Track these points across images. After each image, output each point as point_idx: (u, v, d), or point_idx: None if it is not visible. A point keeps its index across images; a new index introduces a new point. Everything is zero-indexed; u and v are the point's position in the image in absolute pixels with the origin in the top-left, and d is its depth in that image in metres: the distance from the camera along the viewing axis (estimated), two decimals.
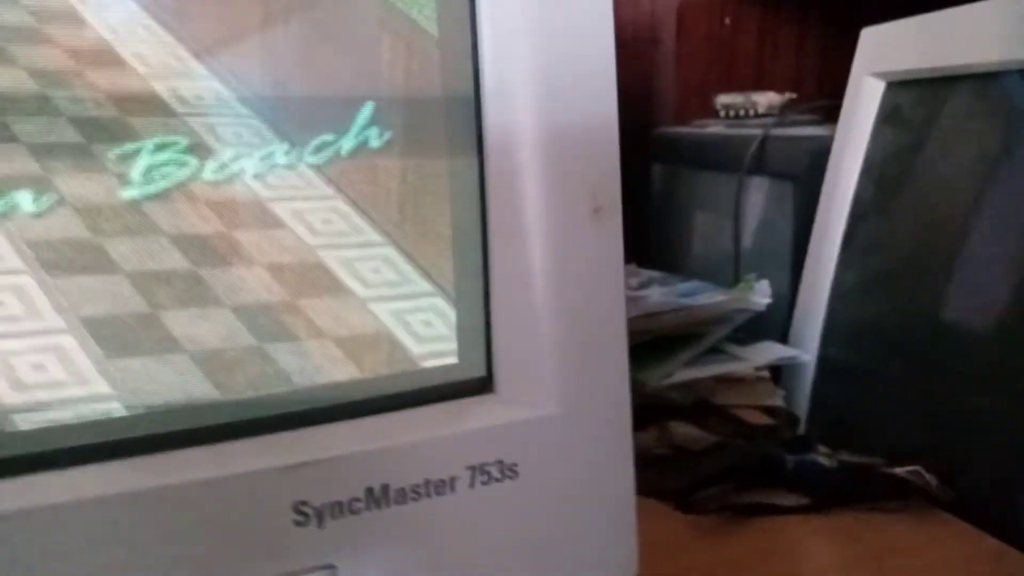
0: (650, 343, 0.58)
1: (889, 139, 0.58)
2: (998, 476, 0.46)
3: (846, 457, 0.47)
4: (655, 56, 0.93)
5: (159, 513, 0.19)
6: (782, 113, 0.74)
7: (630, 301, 0.61)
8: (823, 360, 0.60)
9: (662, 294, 0.63)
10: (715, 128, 0.80)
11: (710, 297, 0.61)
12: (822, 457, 0.47)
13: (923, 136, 0.56)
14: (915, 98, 0.57)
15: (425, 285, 0.24)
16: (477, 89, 0.23)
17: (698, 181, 0.80)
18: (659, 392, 0.56)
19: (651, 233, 0.88)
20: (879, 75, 0.59)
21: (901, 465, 0.45)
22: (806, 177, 0.65)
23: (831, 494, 0.45)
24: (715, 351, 0.60)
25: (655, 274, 0.71)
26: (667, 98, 0.93)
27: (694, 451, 0.49)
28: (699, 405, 0.55)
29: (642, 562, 0.41)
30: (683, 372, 0.56)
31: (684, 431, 0.50)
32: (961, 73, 0.53)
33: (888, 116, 0.59)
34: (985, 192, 0.51)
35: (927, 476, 0.44)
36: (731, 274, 0.71)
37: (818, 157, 0.64)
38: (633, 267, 0.73)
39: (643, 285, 0.67)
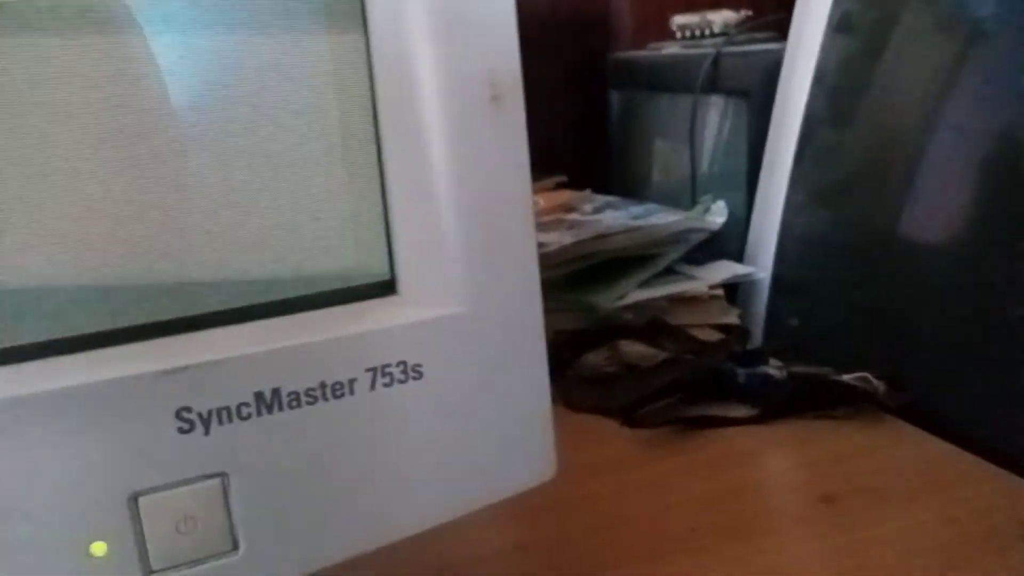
0: (605, 265, 0.57)
1: (840, 48, 0.57)
2: (946, 381, 0.46)
3: (797, 368, 0.47)
4: None
5: (32, 422, 0.18)
6: (738, 30, 0.73)
7: (583, 225, 0.60)
8: (777, 276, 0.59)
9: (615, 218, 0.62)
10: (671, 50, 0.78)
11: (663, 218, 0.60)
12: (773, 369, 0.47)
13: (874, 43, 0.55)
14: (866, 5, 0.56)
15: (319, 184, 0.23)
16: None
17: (655, 105, 0.79)
18: (613, 313, 0.55)
19: (611, 160, 0.87)
20: None
21: (849, 373, 0.45)
22: (760, 93, 0.63)
23: (780, 404, 0.45)
24: (670, 272, 0.59)
25: (610, 199, 0.70)
26: (624, 22, 0.90)
27: (644, 368, 0.49)
28: (652, 325, 0.55)
29: (589, 477, 0.41)
30: (637, 293, 0.56)
31: (635, 349, 0.50)
32: None
33: (838, 24, 0.57)
34: (937, 100, 0.49)
35: (875, 382, 0.44)
36: (690, 197, 0.70)
37: (771, 72, 0.62)
38: (588, 193, 0.72)
39: (597, 210, 0.66)
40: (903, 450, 0.42)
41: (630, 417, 0.43)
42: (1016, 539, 0.35)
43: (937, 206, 0.49)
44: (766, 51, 0.64)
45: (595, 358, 0.50)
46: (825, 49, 0.58)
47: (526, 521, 0.37)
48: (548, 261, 0.54)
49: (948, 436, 0.43)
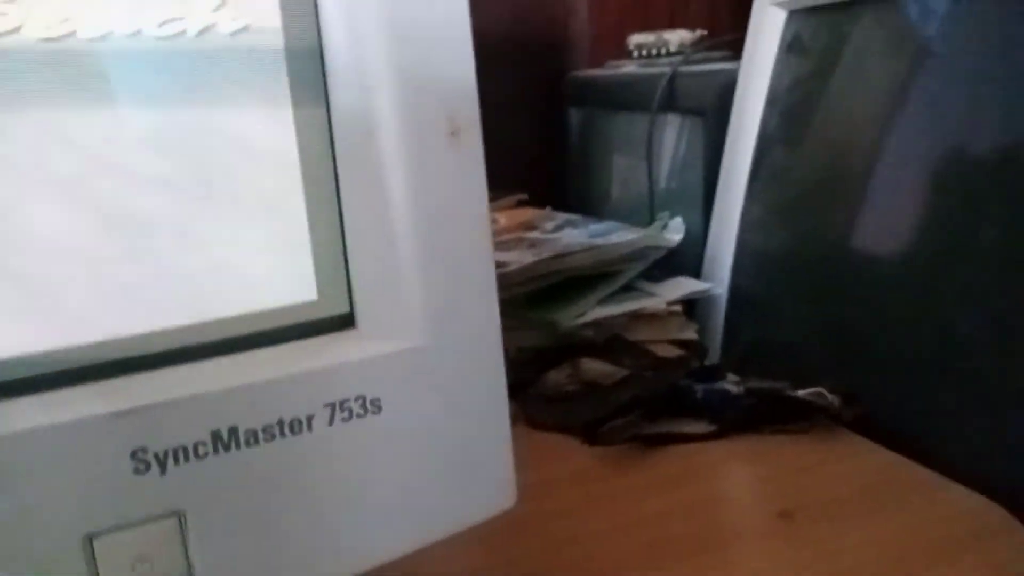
0: (565, 284, 0.58)
1: (792, 69, 0.58)
2: (897, 394, 0.47)
3: (753, 383, 0.48)
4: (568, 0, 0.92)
5: None
6: (693, 50, 0.74)
7: (543, 243, 0.61)
8: (734, 292, 0.60)
9: (574, 236, 0.63)
10: (628, 69, 0.79)
11: (622, 236, 0.61)
12: (730, 384, 0.48)
13: (825, 64, 0.56)
14: (816, 26, 0.57)
15: (278, 222, 0.23)
16: (314, 11, 0.22)
17: (613, 123, 0.80)
18: (573, 331, 0.56)
19: (570, 177, 0.87)
20: (781, 4, 0.59)
21: (804, 388, 0.46)
22: (714, 112, 0.65)
23: (738, 419, 0.46)
24: (629, 289, 0.60)
25: (571, 216, 0.71)
26: (582, 41, 0.92)
27: (604, 385, 0.49)
28: (612, 341, 0.55)
29: (550, 495, 0.41)
30: (596, 310, 0.57)
31: (595, 367, 0.50)
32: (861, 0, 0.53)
33: (790, 45, 0.59)
34: (887, 119, 0.51)
35: (829, 397, 0.45)
36: (648, 213, 0.71)
37: (726, 91, 0.64)
38: (548, 211, 0.73)
39: (558, 228, 0.67)
40: (857, 463, 0.43)
41: (591, 435, 0.44)
42: (960, 549, 0.36)
43: (887, 222, 0.51)
44: (721, 71, 0.66)
45: (556, 376, 0.51)
46: (777, 70, 0.59)
47: (486, 540, 0.38)
48: (509, 280, 0.54)
49: (900, 448, 0.44)
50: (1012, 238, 0.41)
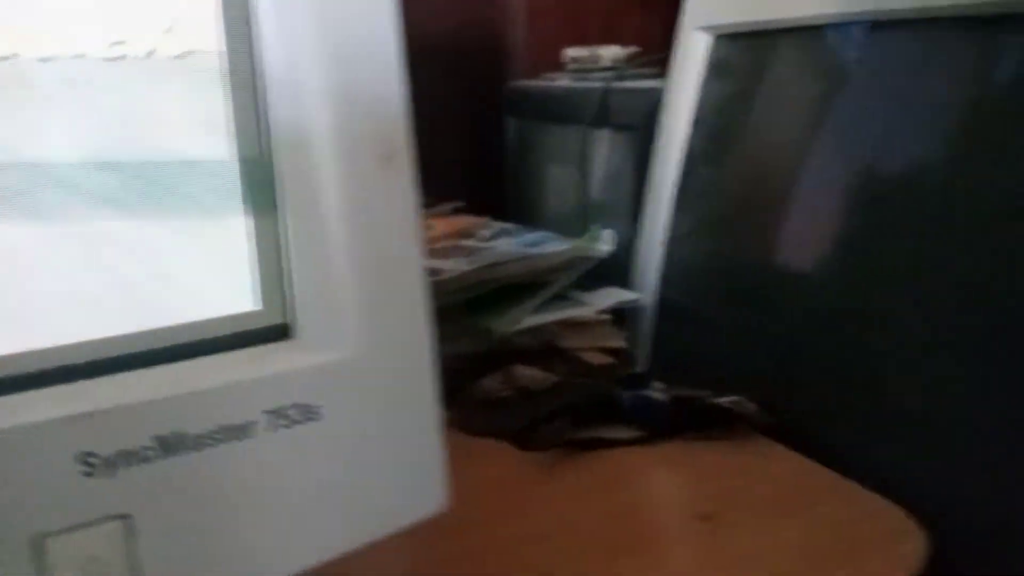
0: (499, 291, 0.59)
1: (716, 91, 0.61)
2: (811, 404, 0.50)
3: (678, 391, 0.50)
4: (507, 10, 0.93)
5: None
6: (626, 66, 0.76)
7: (479, 251, 0.62)
8: (661, 302, 0.63)
9: (509, 245, 0.64)
10: (563, 81, 0.81)
11: (554, 246, 0.63)
12: (656, 392, 0.50)
13: (748, 87, 0.59)
14: (740, 51, 0.60)
15: (218, 236, 0.23)
16: (252, 39, 0.23)
17: (549, 134, 0.82)
18: (507, 338, 0.57)
19: (507, 186, 0.89)
20: (706, 28, 0.62)
21: (726, 396, 0.48)
22: (644, 128, 0.67)
23: (663, 426, 0.48)
24: (561, 297, 0.62)
25: (506, 226, 0.72)
26: (520, 53, 0.93)
27: (536, 391, 0.51)
28: (545, 349, 0.57)
29: (480, 498, 0.42)
30: (530, 318, 0.58)
31: (527, 373, 0.52)
32: (784, 27, 0.56)
33: (715, 68, 0.61)
34: (806, 140, 0.54)
35: (748, 405, 0.48)
36: (582, 224, 0.73)
37: (654, 109, 0.66)
38: (486, 220, 0.74)
39: (493, 236, 0.68)
40: (773, 468, 0.46)
41: (522, 440, 0.45)
42: (865, 550, 0.38)
43: (805, 239, 0.53)
44: (651, 89, 0.68)
45: (490, 382, 0.52)
46: (702, 91, 0.62)
47: (418, 543, 0.38)
48: (445, 287, 0.55)
49: (814, 454, 0.46)
50: (921, 257, 0.44)
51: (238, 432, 0.22)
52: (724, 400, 0.48)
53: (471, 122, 0.93)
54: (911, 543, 0.39)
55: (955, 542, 0.39)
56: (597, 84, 0.73)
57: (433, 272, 0.56)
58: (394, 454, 0.25)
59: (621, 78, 0.73)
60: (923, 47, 0.46)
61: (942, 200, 0.44)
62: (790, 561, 0.37)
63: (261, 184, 0.24)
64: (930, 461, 0.42)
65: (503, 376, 0.52)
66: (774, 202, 0.55)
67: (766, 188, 0.56)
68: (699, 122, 0.62)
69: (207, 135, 0.23)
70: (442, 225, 0.70)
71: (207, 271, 0.23)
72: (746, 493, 0.43)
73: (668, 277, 0.62)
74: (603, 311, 0.61)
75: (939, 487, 0.41)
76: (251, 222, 0.24)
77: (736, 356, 0.56)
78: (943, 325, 0.43)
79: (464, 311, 0.58)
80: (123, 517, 0.21)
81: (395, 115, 0.24)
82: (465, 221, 0.72)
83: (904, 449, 0.44)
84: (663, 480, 0.46)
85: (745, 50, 0.60)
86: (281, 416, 0.23)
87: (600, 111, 0.71)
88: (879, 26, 0.49)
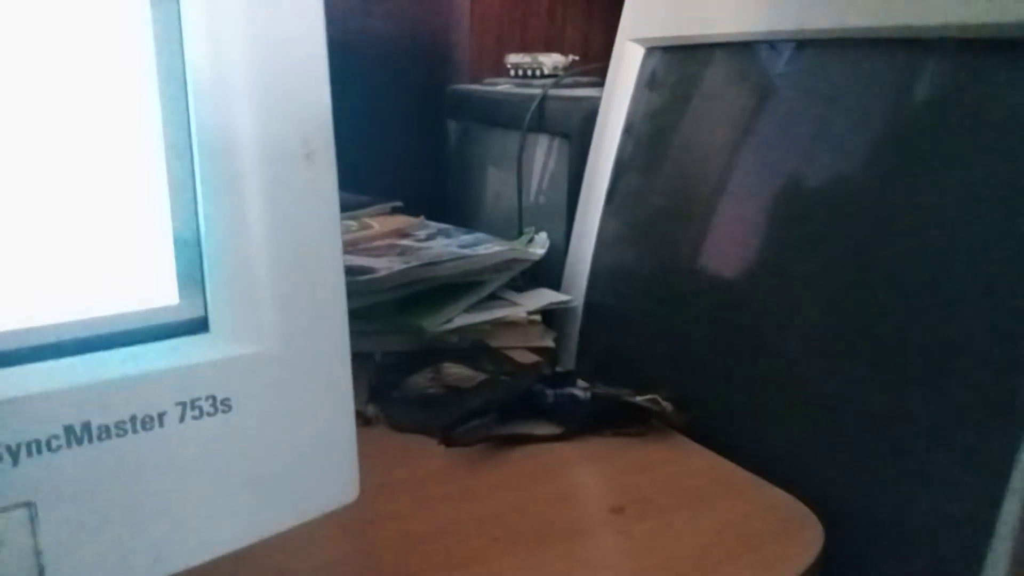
0: (433, 291, 0.61)
1: (647, 101, 0.63)
2: (724, 403, 0.52)
3: (599, 389, 0.52)
4: (451, 15, 0.95)
5: None
6: (565, 74, 0.79)
7: (414, 251, 0.63)
8: (588, 304, 0.65)
9: (444, 245, 0.66)
10: (504, 87, 0.83)
11: (489, 248, 0.64)
12: (578, 390, 0.52)
13: (677, 99, 0.61)
14: (671, 64, 0.63)
15: (136, 227, 0.24)
16: (180, 32, 0.24)
17: (488, 138, 0.83)
18: (439, 337, 0.58)
19: (448, 189, 0.90)
20: (639, 40, 0.64)
21: (642, 395, 0.50)
22: (579, 135, 0.69)
23: (583, 423, 0.50)
24: (494, 298, 0.64)
25: (443, 226, 0.74)
26: (463, 57, 0.95)
27: (463, 389, 0.52)
28: (475, 347, 0.58)
29: (405, 492, 0.44)
30: (462, 317, 0.60)
31: (456, 371, 0.53)
32: (713, 42, 0.58)
33: (647, 80, 0.64)
34: (730, 152, 0.56)
35: (663, 403, 0.50)
36: (517, 227, 0.75)
37: (589, 117, 0.68)
38: (422, 220, 0.75)
39: (430, 236, 0.69)
40: (685, 464, 0.48)
41: (447, 436, 0.47)
42: (765, 539, 0.41)
43: (724, 247, 0.56)
44: (587, 97, 0.70)
45: (419, 379, 0.53)
46: (635, 102, 0.64)
47: (342, 535, 0.40)
48: (378, 286, 0.56)
49: (724, 451, 0.49)
50: (835, 267, 0.47)
51: (149, 423, 0.23)
52: (641, 398, 0.50)
53: (414, 124, 0.94)
54: (809, 533, 0.42)
55: (850, 533, 0.42)
56: (536, 90, 0.74)
57: (368, 270, 0.57)
58: (306, 447, 0.27)
59: (559, 85, 0.75)
60: (845, 66, 0.48)
61: (853, 211, 0.46)
62: (694, 550, 0.39)
63: (182, 179, 0.25)
64: (830, 457, 0.45)
65: (432, 373, 0.54)
66: (694, 210, 0.57)
67: (688, 196, 0.58)
68: (629, 131, 0.64)
69: (131, 126, 0.23)
70: (380, 224, 0.71)
71: (126, 265, 0.24)
72: (657, 487, 0.45)
73: (595, 280, 0.64)
74: (534, 312, 0.63)
75: (837, 481, 0.44)
76: (172, 216, 0.25)
77: (655, 356, 0.59)
78: (848, 330, 0.45)
79: (397, 309, 0.59)
80: (26, 505, 0.21)
81: (318, 115, 0.26)
82: (402, 220, 0.74)
83: (807, 447, 0.46)
84: (580, 474, 0.47)
85: (676, 63, 0.62)
86: (192, 407, 0.24)
87: (538, 117, 0.73)
88: (804, 45, 0.51)
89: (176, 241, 0.25)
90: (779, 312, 0.50)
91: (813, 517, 0.43)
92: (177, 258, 0.25)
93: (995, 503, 0.37)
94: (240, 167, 0.25)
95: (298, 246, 0.26)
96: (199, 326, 0.25)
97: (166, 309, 0.25)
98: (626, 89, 0.64)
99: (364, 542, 0.39)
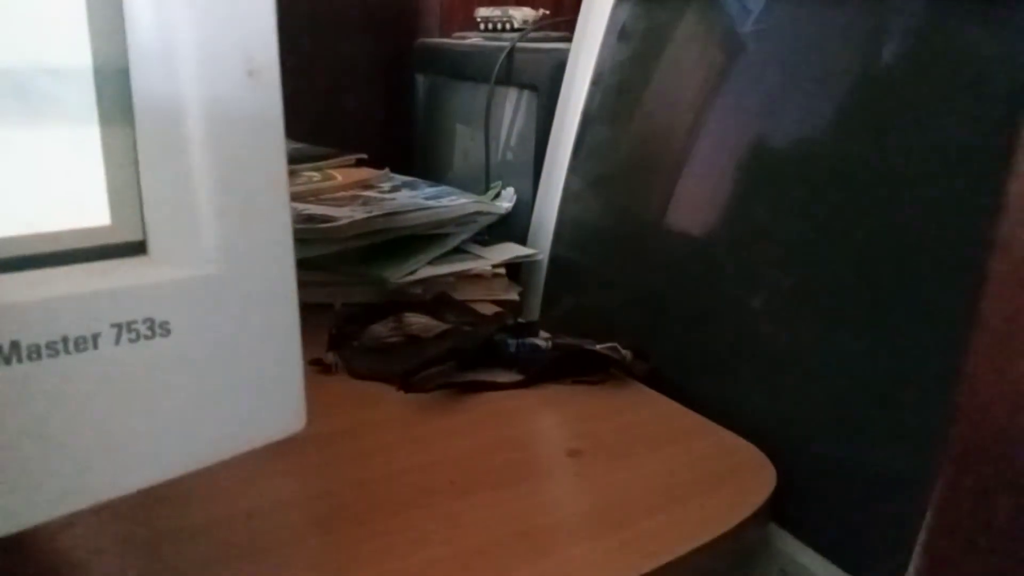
0: (397, 242, 0.60)
1: (616, 53, 0.63)
2: (682, 353, 0.52)
3: (561, 340, 0.52)
4: None
5: None
6: (533, 27, 0.77)
7: (377, 202, 0.63)
8: (554, 258, 0.65)
9: (409, 197, 0.65)
10: (473, 40, 0.81)
11: (454, 200, 0.64)
12: (540, 340, 0.52)
13: (646, 51, 0.61)
14: (641, 15, 0.62)
15: (71, 144, 0.24)
16: None
17: (457, 92, 0.82)
18: (402, 288, 0.58)
19: (415, 143, 0.89)
20: None
21: (602, 343, 0.50)
22: (547, 88, 0.68)
23: (543, 371, 0.50)
24: (459, 251, 0.63)
25: (408, 179, 0.73)
26: (432, 10, 0.93)
27: (424, 338, 0.52)
28: (438, 299, 0.58)
29: (363, 435, 0.43)
30: (426, 269, 0.59)
31: (417, 320, 0.53)
32: None
33: (617, 30, 0.63)
34: (698, 107, 0.56)
35: (623, 352, 0.50)
36: (484, 181, 0.75)
37: (558, 69, 0.67)
38: (386, 172, 0.74)
39: (394, 189, 0.69)
40: (642, 410, 0.48)
41: (406, 382, 0.47)
42: (720, 481, 0.41)
43: (690, 201, 0.56)
44: (555, 50, 0.70)
45: (380, 329, 0.53)
46: (604, 53, 0.63)
47: (299, 474, 0.40)
48: (339, 234, 0.56)
49: (681, 398, 0.49)
50: (800, 224, 0.47)
51: (82, 344, 0.23)
52: (601, 346, 0.50)
53: (381, 78, 0.92)
54: (762, 475, 0.42)
55: (799, 474, 0.43)
56: (505, 43, 0.73)
57: (329, 219, 0.57)
58: (249, 373, 0.26)
59: (528, 38, 0.74)
60: (817, 17, 0.48)
61: (821, 166, 0.46)
62: (648, 491, 0.40)
63: (116, 94, 0.24)
64: (781, 403, 0.46)
65: (393, 323, 0.53)
66: (661, 163, 0.57)
67: (655, 149, 0.58)
68: (597, 82, 0.63)
69: (63, 37, 0.23)
70: (343, 175, 0.70)
71: (59, 181, 0.23)
72: (614, 432, 0.45)
73: (560, 234, 0.64)
74: (499, 265, 0.62)
75: (788, 426, 0.45)
76: (106, 133, 0.24)
77: (618, 309, 0.59)
78: (808, 283, 0.46)
79: (360, 261, 0.59)
80: None
81: (262, 29, 0.25)
82: (366, 172, 0.73)
83: (760, 393, 0.47)
84: (538, 420, 0.48)
85: (646, 15, 0.61)
86: (129, 330, 0.23)
87: (506, 70, 0.72)
88: None
89: (108, 162, 0.24)
90: (741, 264, 0.50)
91: (766, 459, 0.43)
92: (109, 179, 0.24)
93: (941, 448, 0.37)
94: (177, 84, 0.24)
95: (241, 167, 0.25)
96: (136, 248, 0.25)
97: (100, 230, 0.24)
98: (595, 40, 0.63)
99: (319, 484, 0.39)
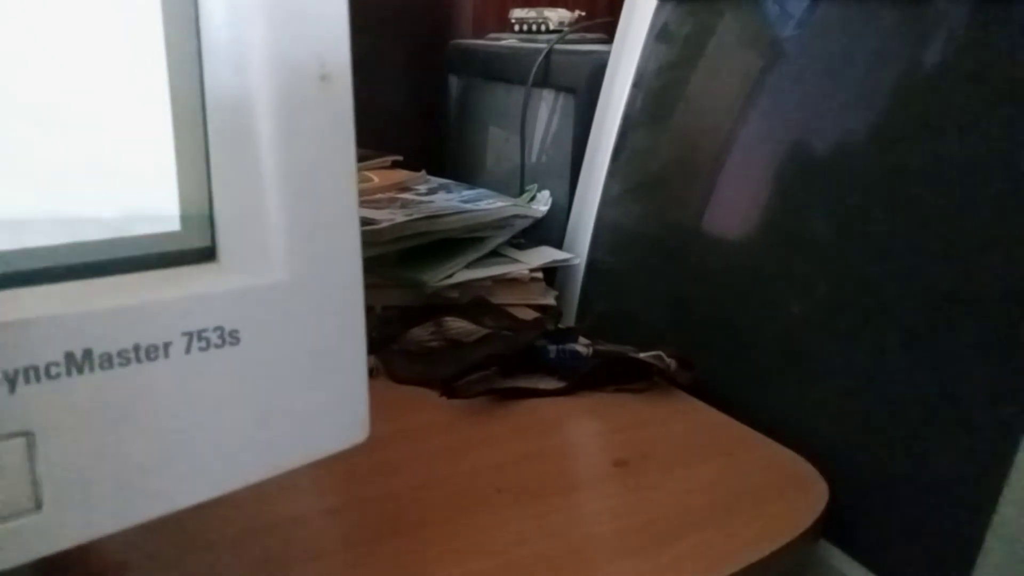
0: (434, 245, 0.60)
1: (658, 55, 0.62)
2: (728, 362, 0.52)
3: (601, 346, 0.51)
4: None
5: None
6: (571, 29, 0.77)
7: (415, 205, 0.62)
8: (591, 262, 0.64)
9: (446, 200, 0.65)
10: (508, 42, 0.81)
11: (491, 204, 0.63)
12: (580, 347, 0.51)
13: (688, 54, 0.60)
14: (683, 17, 0.61)
15: (144, 151, 0.23)
16: None
17: (491, 93, 0.82)
18: (440, 291, 0.57)
19: (448, 144, 0.89)
20: None
21: (646, 351, 0.50)
22: (585, 91, 0.68)
23: (585, 378, 0.49)
24: (496, 255, 0.63)
25: (444, 181, 0.72)
26: (466, 11, 0.93)
27: (465, 343, 0.52)
28: (476, 303, 0.57)
29: (405, 442, 0.43)
30: (463, 273, 0.59)
31: (457, 325, 0.52)
32: None
33: (659, 33, 0.62)
34: (739, 111, 0.55)
35: (667, 360, 0.49)
36: (519, 184, 0.74)
37: (597, 71, 0.67)
38: (423, 175, 0.74)
39: (431, 191, 0.68)
40: (688, 420, 0.48)
41: (448, 388, 0.46)
42: (771, 495, 0.40)
43: (731, 207, 0.55)
44: (594, 52, 0.69)
45: (420, 332, 0.53)
46: (645, 55, 0.63)
47: (345, 483, 0.39)
48: (379, 237, 0.55)
49: (728, 409, 0.49)
50: (839, 231, 0.46)
51: (153, 352, 0.22)
52: (645, 355, 0.49)
53: (416, 79, 0.92)
54: (814, 490, 0.41)
55: (852, 491, 0.42)
56: (541, 45, 0.73)
57: (368, 222, 0.56)
58: (316, 383, 0.26)
59: (565, 40, 0.73)
60: (859, 20, 0.47)
61: (862, 171, 0.45)
62: (697, 504, 0.39)
63: (191, 100, 0.23)
64: (833, 416, 0.45)
65: (433, 327, 0.53)
66: (703, 170, 0.56)
67: (696, 156, 0.57)
68: (638, 85, 0.62)
69: (137, 48, 0.22)
70: (380, 178, 0.70)
71: (131, 189, 0.23)
72: (660, 442, 0.45)
73: (599, 238, 0.64)
74: (536, 269, 0.62)
75: (841, 442, 0.44)
76: (179, 140, 0.23)
77: (657, 315, 0.58)
78: (853, 290, 0.45)
79: (398, 263, 0.58)
80: (24, 434, 0.21)
81: (334, 33, 0.24)
82: (403, 175, 0.72)
83: (811, 405, 0.46)
84: (582, 428, 0.47)
85: (688, 17, 0.61)
86: (199, 339, 0.23)
87: (543, 72, 0.71)
88: None
89: (180, 167, 0.24)
90: (784, 271, 0.49)
91: (817, 474, 0.43)
92: (181, 184, 0.24)
93: (1002, 464, 0.36)
94: (252, 84, 0.23)
95: (312, 173, 0.25)
96: (207, 255, 0.24)
97: (171, 236, 0.24)
98: (636, 41, 0.63)
99: (367, 490, 0.39)
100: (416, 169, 0.76)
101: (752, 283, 0.51)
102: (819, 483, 0.42)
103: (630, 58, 0.63)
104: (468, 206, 0.62)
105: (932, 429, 0.40)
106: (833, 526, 0.41)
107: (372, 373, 0.50)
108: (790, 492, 0.41)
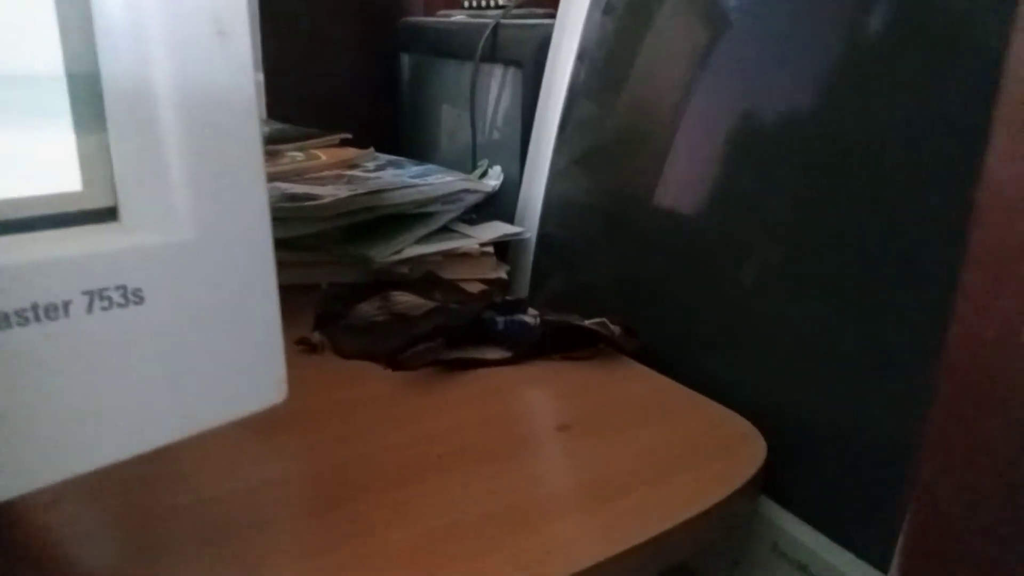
0: (383, 221, 0.59)
1: (600, 26, 0.62)
2: (673, 329, 0.52)
3: (549, 316, 0.52)
4: None
5: None
6: (517, 3, 0.77)
7: (362, 181, 0.62)
8: (542, 236, 0.64)
9: (394, 176, 0.64)
10: (458, 18, 0.80)
11: (440, 179, 0.63)
12: (528, 317, 0.51)
13: (632, 24, 0.60)
14: None
15: (39, 111, 0.23)
16: None
17: (442, 70, 0.81)
18: (388, 267, 0.57)
19: (401, 122, 0.88)
20: None
21: (591, 319, 0.50)
22: (532, 65, 0.68)
23: (531, 347, 0.49)
24: (446, 230, 0.62)
25: (393, 158, 0.72)
26: None
27: (412, 316, 0.51)
28: (425, 278, 0.57)
29: (351, 413, 0.43)
30: (413, 248, 0.59)
31: (404, 299, 0.52)
32: None
33: (602, 4, 0.62)
34: (685, 82, 0.55)
35: (612, 327, 0.50)
36: (471, 160, 0.74)
37: (543, 45, 0.67)
38: (371, 151, 0.73)
39: (379, 168, 0.68)
40: (632, 385, 0.48)
41: (393, 360, 0.46)
42: (710, 454, 0.41)
43: (680, 178, 0.55)
44: (540, 25, 0.69)
45: (367, 308, 0.52)
46: (588, 28, 0.63)
47: (288, 453, 0.39)
48: (322, 213, 0.55)
49: (672, 373, 0.49)
50: (788, 198, 0.46)
51: (52, 311, 0.22)
52: (590, 322, 0.49)
53: (367, 57, 0.91)
54: (752, 447, 0.42)
55: (791, 448, 0.42)
56: (489, 20, 0.73)
57: (313, 197, 0.56)
58: (227, 343, 0.25)
59: (512, 15, 0.73)
60: None
61: (808, 139, 0.46)
62: (638, 464, 0.39)
63: (83, 57, 0.23)
64: (771, 375, 0.45)
65: (380, 302, 0.53)
66: (648, 139, 0.56)
67: (642, 125, 0.57)
68: (582, 57, 0.62)
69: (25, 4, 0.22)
70: (327, 155, 0.69)
71: (28, 148, 0.23)
72: (603, 407, 0.45)
73: (548, 211, 0.64)
74: (486, 244, 0.62)
75: (778, 398, 0.44)
76: (75, 99, 0.23)
77: (607, 287, 0.58)
78: (797, 259, 0.45)
79: (345, 239, 0.58)
80: None
81: None
82: (351, 152, 0.72)
83: (752, 368, 0.47)
84: (527, 396, 0.47)
85: None
86: (101, 297, 0.23)
87: (490, 47, 0.71)
88: None
89: (78, 126, 0.23)
90: (729, 239, 0.49)
91: (757, 432, 0.43)
92: (80, 143, 0.23)
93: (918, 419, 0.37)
94: (146, 44, 0.23)
95: (213, 130, 0.24)
96: (108, 215, 0.24)
97: (71, 196, 0.24)
98: (579, 14, 0.63)
99: (307, 461, 0.39)
100: (366, 147, 0.76)
101: (696, 251, 0.52)
102: (758, 441, 0.43)
103: (573, 30, 0.63)
104: (416, 181, 0.62)
105: (868, 386, 0.40)
106: (774, 483, 0.42)
107: (317, 349, 0.50)
108: (729, 451, 0.42)
